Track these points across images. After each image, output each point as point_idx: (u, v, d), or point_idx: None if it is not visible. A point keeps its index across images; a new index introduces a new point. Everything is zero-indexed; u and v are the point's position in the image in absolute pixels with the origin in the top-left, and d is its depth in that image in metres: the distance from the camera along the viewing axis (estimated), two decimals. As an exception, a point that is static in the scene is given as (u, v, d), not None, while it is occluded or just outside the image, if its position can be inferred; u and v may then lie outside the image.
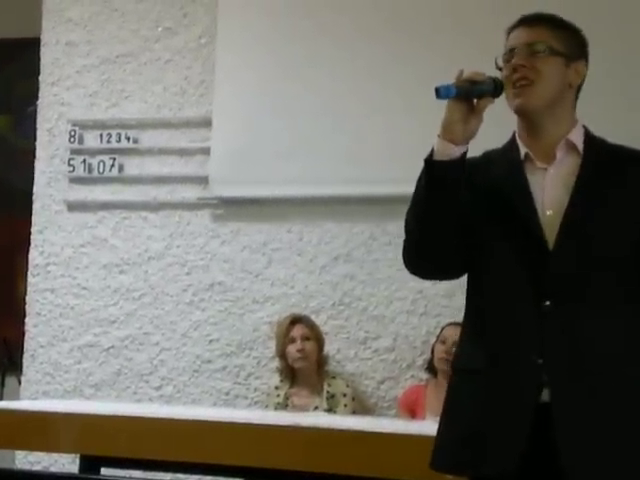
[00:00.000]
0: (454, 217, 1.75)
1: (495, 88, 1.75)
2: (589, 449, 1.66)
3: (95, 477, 3.00)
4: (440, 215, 1.75)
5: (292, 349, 3.78)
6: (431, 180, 1.74)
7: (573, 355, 1.69)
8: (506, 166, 1.82)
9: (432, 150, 1.74)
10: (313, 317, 3.92)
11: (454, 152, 1.72)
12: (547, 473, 1.68)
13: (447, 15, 3.86)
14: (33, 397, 4.23)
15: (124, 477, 2.99)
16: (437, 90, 1.72)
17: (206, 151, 4.17)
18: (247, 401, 4.07)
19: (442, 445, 1.80)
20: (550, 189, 1.76)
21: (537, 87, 1.76)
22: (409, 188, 1.81)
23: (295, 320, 3.84)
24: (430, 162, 1.73)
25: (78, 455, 3.19)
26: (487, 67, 1.84)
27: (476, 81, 1.73)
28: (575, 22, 1.85)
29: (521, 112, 1.79)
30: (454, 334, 3.63)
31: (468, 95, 1.73)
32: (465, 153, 1.75)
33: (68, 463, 3.94)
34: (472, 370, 1.78)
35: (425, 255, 1.81)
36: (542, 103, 1.77)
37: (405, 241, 1.83)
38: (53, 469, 4.07)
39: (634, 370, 1.72)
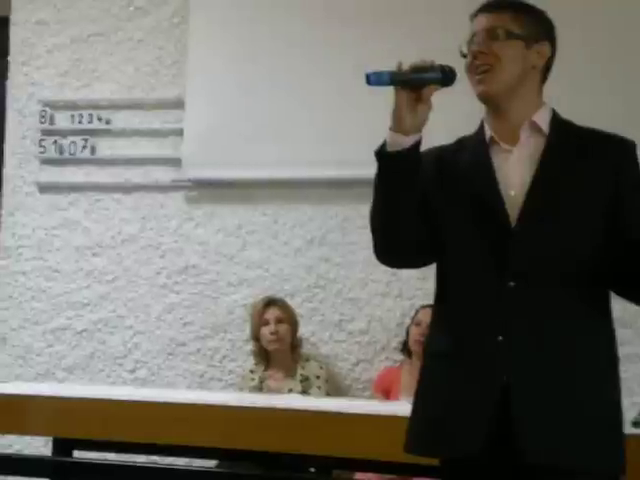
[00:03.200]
0: (413, 205, 1.76)
1: (444, 76, 1.72)
2: (544, 431, 1.67)
3: (68, 460, 2.98)
4: (399, 206, 1.76)
5: (266, 331, 3.78)
6: (385, 172, 1.75)
7: (533, 336, 1.70)
8: (472, 150, 1.83)
9: (384, 142, 1.74)
10: (288, 300, 3.92)
11: (405, 142, 1.72)
12: (509, 455, 1.68)
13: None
14: (5, 380, 4.19)
15: (97, 460, 2.98)
16: (367, 77, 1.69)
17: (179, 132, 4.14)
18: (222, 383, 4.07)
19: (413, 428, 1.82)
20: (514, 170, 1.77)
21: (497, 72, 1.76)
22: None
23: (269, 303, 3.84)
24: (382, 154, 1.73)
25: (51, 438, 3.17)
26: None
27: (420, 69, 1.71)
28: (552, 9, 1.85)
29: (484, 99, 1.80)
30: (429, 316, 3.62)
31: (407, 84, 1.70)
32: (419, 142, 1.74)
33: (41, 446, 3.92)
34: (440, 353, 1.79)
35: (392, 247, 1.83)
36: (503, 88, 1.77)
37: (373, 237, 1.85)
38: (26, 452, 4.05)
39: (594, 351, 1.72)
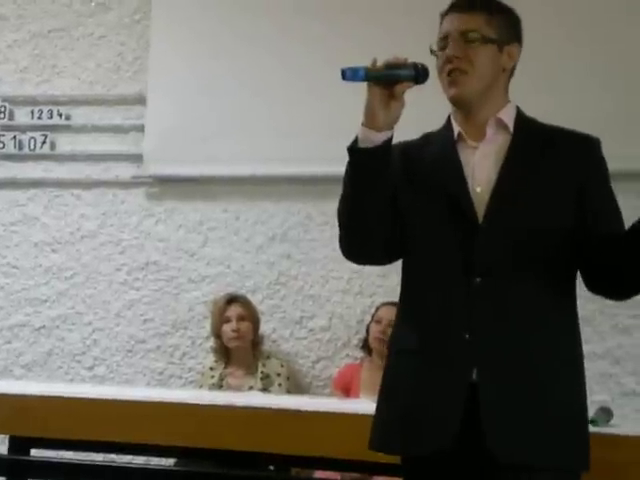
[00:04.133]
0: (382, 202, 1.76)
1: (417, 74, 1.73)
2: (512, 430, 1.68)
3: (24, 458, 2.95)
4: (368, 202, 1.76)
5: (227, 329, 3.77)
6: (356, 168, 1.75)
7: (500, 334, 1.70)
8: (440, 145, 1.83)
9: (356, 138, 1.74)
10: (249, 296, 3.91)
11: (377, 138, 1.73)
12: (476, 452, 1.69)
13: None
14: (-39, 378, 4.15)
15: (54, 458, 2.94)
16: (343, 72, 1.70)
17: (140, 129, 4.12)
18: (181, 381, 4.05)
19: (379, 426, 1.81)
20: (480, 166, 1.78)
21: (471, 77, 1.77)
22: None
23: (231, 300, 3.83)
24: (354, 150, 1.74)
25: (7, 436, 3.13)
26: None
27: (393, 66, 1.72)
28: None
29: (456, 102, 1.81)
30: (389, 314, 3.66)
31: (381, 80, 1.71)
32: (390, 139, 1.75)
33: (-3, 445, 3.88)
34: (407, 351, 1.78)
35: (360, 243, 1.82)
36: (476, 92, 1.78)
37: (340, 231, 1.84)
38: (-18, 451, 4.00)
39: (561, 349, 1.74)
